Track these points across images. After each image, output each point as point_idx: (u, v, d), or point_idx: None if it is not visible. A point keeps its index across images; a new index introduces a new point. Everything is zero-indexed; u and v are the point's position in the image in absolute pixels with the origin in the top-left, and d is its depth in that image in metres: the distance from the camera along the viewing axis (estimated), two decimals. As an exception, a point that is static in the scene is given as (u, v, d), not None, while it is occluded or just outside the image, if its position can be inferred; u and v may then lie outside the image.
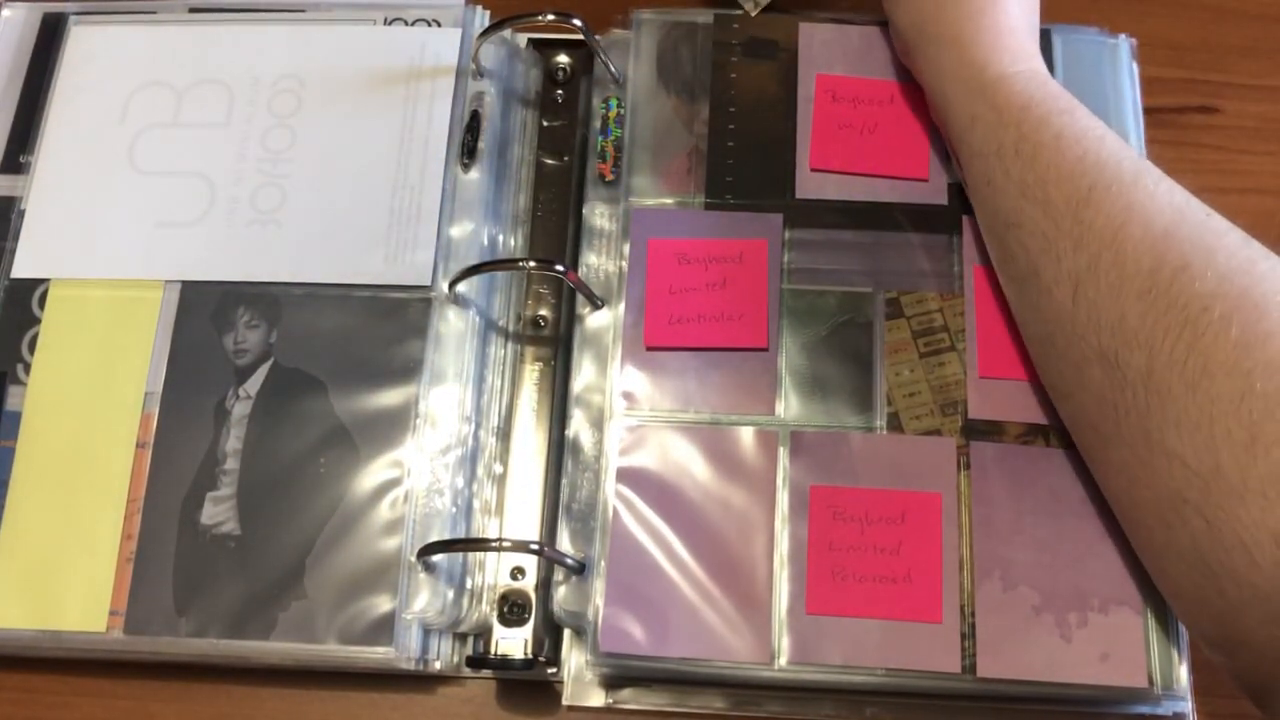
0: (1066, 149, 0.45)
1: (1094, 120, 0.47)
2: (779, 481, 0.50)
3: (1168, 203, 0.43)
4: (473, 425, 0.53)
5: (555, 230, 0.57)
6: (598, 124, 0.57)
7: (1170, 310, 0.41)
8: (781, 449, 0.51)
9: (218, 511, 0.52)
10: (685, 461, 0.51)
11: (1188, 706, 0.48)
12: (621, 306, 0.53)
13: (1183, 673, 0.47)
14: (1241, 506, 0.37)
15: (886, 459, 0.50)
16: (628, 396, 0.52)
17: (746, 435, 0.51)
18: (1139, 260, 0.42)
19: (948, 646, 0.47)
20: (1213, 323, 0.40)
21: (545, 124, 0.59)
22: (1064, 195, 0.45)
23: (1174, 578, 0.42)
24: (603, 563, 0.49)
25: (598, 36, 0.57)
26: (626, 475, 0.50)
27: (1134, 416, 0.41)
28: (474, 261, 0.54)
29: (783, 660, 0.48)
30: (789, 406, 0.51)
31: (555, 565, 0.50)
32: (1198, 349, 0.40)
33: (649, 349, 0.52)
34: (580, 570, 0.50)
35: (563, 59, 0.60)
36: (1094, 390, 0.43)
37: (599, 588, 0.49)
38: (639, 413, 0.52)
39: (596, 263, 0.55)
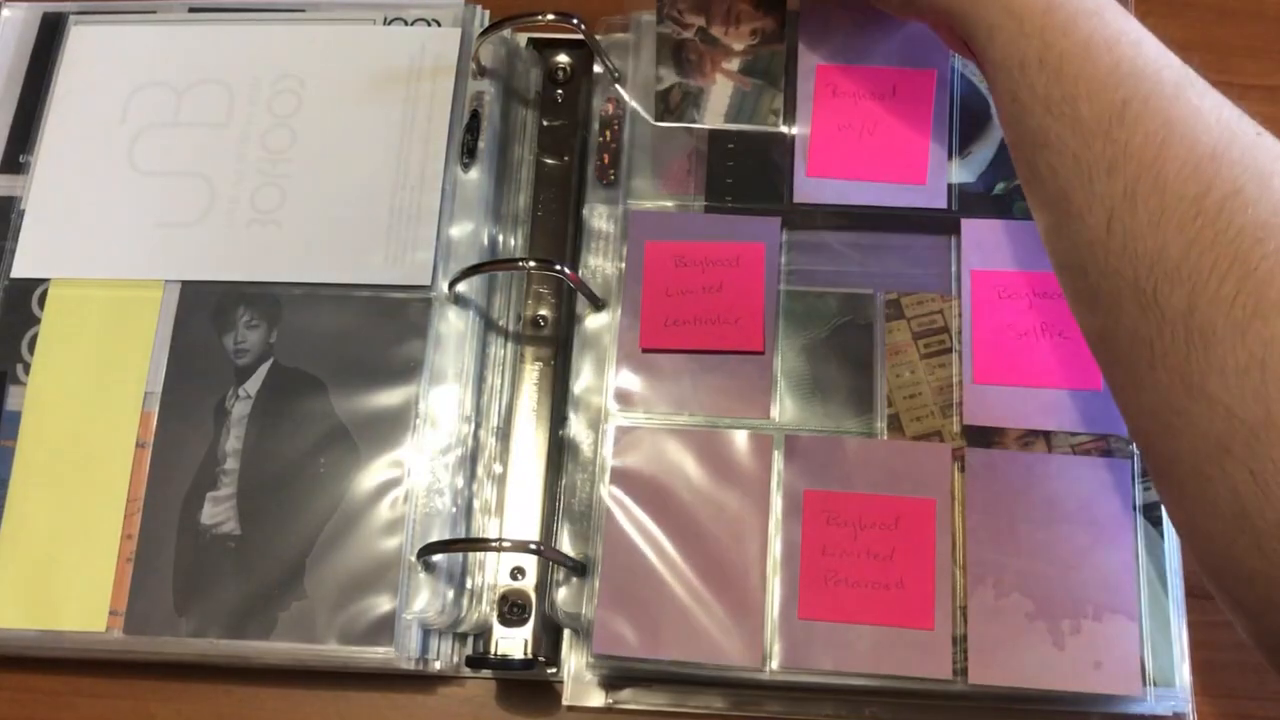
0: (1097, 57, 0.41)
1: (1129, 21, 0.42)
2: (773, 486, 0.50)
3: (1215, 119, 0.39)
4: (473, 425, 0.53)
5: (555, 230, 0.57)
6: (597, 124, 0.57)
7: (1217, 242, 0.36)
8: (776, 453, 0.50)
9: (218, 511, 0.52)
10: (679, 464, 0.50)
11: (1188, 706, 0.48)
12: (619, 308, 0.53)
13: (1184, 673, 0.47)
14: None
15: (881, 464, 0.50)
16: (623, 398, 0.52)
17: (741, 439, 0.51)
18: (1182, 185, 0.38)
19: (939, 653, 0.47)
20: (1267, 256, 0.35)
21: (545, 124, 0.59)
22: (1095, 111, 0.40)
23: (1206, 533, 0.38)
24: (598, 564, 0.49)
25: (598, 36, 0.57)
26: (620, 477, 0.50)
27: (1172, 358, 0.37)
28: (474, 261, 0.54)
29: (774, 664, 0.48)
30: (785, 410, 0.51)
31: (555, 565, 0.50)
32: (1248, 286, 0.35)
33: (645, 351, 0.52)
34: (580, 570, 0.50)
35: (563, 59, 0.60)
36: (1127, 328, 0.39)
37: (594, 589, 0.49)
38: (634, 415, 0.52)
39: (596, 264, 0.55)
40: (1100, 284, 0.40)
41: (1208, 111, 0.39)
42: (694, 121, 0.55)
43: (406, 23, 0.59)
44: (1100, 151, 0.40)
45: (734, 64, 0.55)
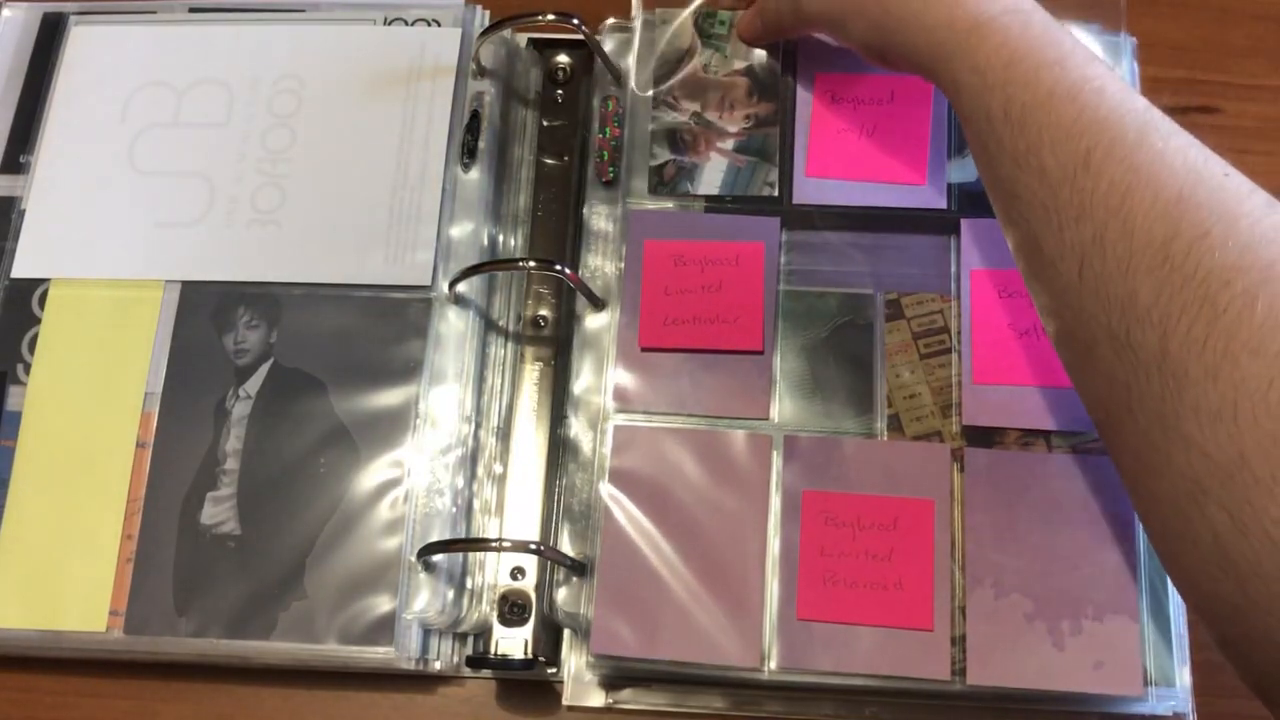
0: (1059, 108, 0.41)
1: (1092, 68, 0.42)
2: (772, 486, 0.50)
3: (1180, 162, 0.39)
4: (473, 425, 0.53)
5: (555, 230, 0.57)
6: (596, 124, 0.57)
7: (1186, 286, 0.37)
8: (775, 453, 0.50)
9: (218, 511, 0.52)
10: (678, 464, 0.50)
11: (1188, 706, 0.48)
12: (619, 307, 0.53)
13: (1185, 673, 0.47)
14: (1270, 501, 0.34)
15: (880, 464, 0.50)
16: (621, 397, 0.52)
17: (740, 439, 0.51)
18: (1150, 230, 0.38)
19: (938, 654, 0.47)
20: (1235, 299, 0.36)
21: (545, 124, 0.59)
22: (1060, 161, 0.41)
23: (1190, 571, 0.39)
24: (597, 564, 0.49)
25: (598, 36, 0.57)
26: (619, 476, 0.50)
27: (1148, 401, 0.38)
28: (474, 261, 0.54)
29: (772, 664, 0.48)
30: (784, 410, 0.51)
31: (555, 565, 0.50)
32: (1218, 328, 0.36)
33: (644, 350, 0.52)
34: (580, 570, 0.50)
35: (563, 59, 0.60)
36: (1104, 371, 0.40)
37: (593, 589, 0.49)
38: (632, 413, 0.52)
39: (596, 264, 0.55)
40: (1076, 328, 0.41)
41: (1172, 154, 0.39)
42: (687, 193, 0.55)
43: (406, 23, 0.59)
44: (1068, 200, 0.40)
45: (728, 144, 0.56)
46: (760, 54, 0.57)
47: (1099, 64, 0.43)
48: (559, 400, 0.54)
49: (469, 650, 0.51)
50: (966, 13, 0.44)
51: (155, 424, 0.53)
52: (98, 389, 0.54)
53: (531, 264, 0.54)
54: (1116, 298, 0.39)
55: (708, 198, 0.55)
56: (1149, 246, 0.38)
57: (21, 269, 0.56)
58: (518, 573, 0.52)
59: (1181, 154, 0.39)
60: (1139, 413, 0.39)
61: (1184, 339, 0.37)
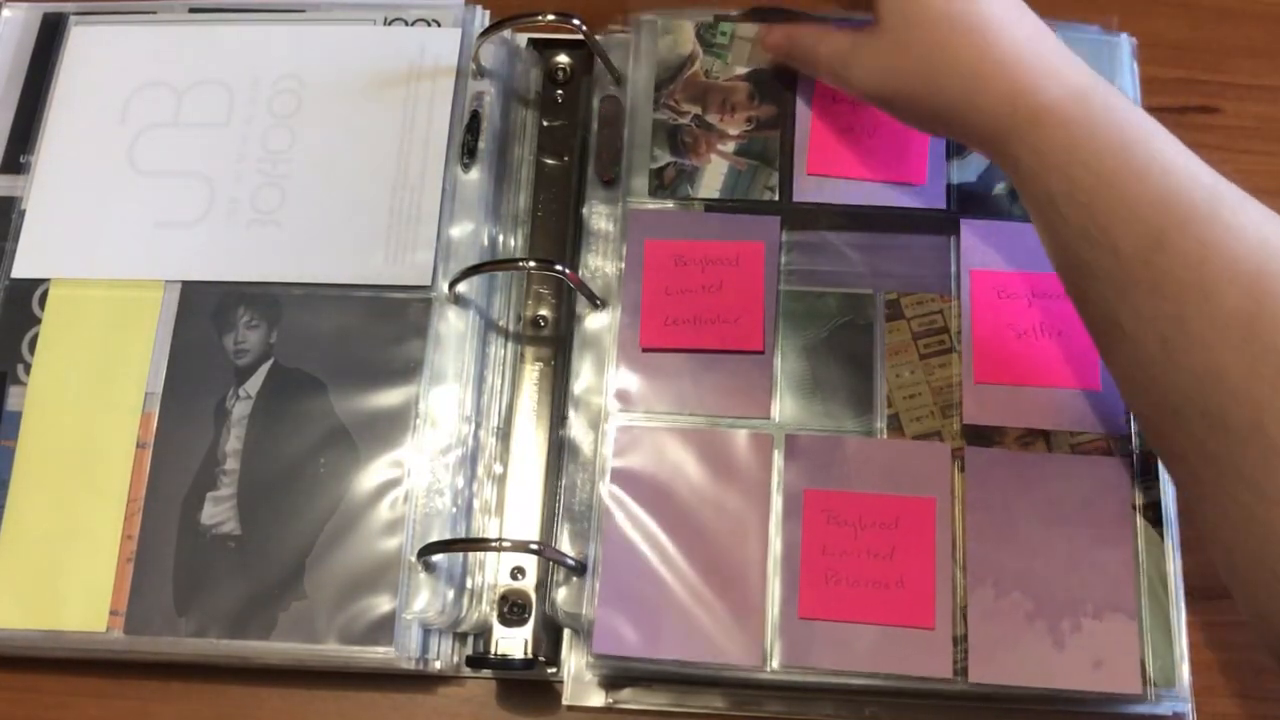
0: (1126, 190, 0.41)
1: (1153, 145, 0.42)
2: (773, 485, 0.50)
3: (1255, 235, 0.39)
4: (473, 425, 0.53)
5: (555, 230, 0.57)
6: (597, 124, 0.57)
7: (1276, 359, 0.37)
8: (776, 452, 0.50)
9: (218, 511, 0.52)
10: (679, 463, 0.50)
11: (1188, 706, 0.48)
12: (619, 307, 0.53)
13: (1185, 673, 0.47)
14: None
15: (881, 463, 0.50)
16: (622, 397, 0.52)
17: (741, 438, 0.51)
18: (1232, 307, 0.38)
19: (939, 652, 0.47)
20: None
21: (545, 124, 0.59)
22: (1132, 242, 0.40)
23: None
24: (598, 564, 0.49)
25: (598, 36, 0.57)
26: (620, 476, 0.50)
27: (1246, 470, 0.38)
28: (474, 261, 0.54)
29: (774, 664, 0.48)
30: (785, 409, 0.51)
31: (555, 565, 0.50)
32: None
33: (644, 350, 0.52)
34: (580, 570, 0.50)
35: (563, 59, 0.60)
36: (1196, 441, 0.40)
37: (594, 589, 0.49)
38: (633, 414, 0.52)
39: (596, 264, 0.55)
40: (1164, 401, 0.41)
41: (1242, 228, 0.39)
42: (687, 196, 0.55)
43: (406, 23, 0.59)
44: (1143, 278, 0.40)
45: (729, 146, 0.56)
46: (761, 63, 0.57)
47: (1162, 136, 0.43)
48: (559, 400, 0.54)
49: (469, 650, 0.51)
50: (1024, 100, 0.44)
51: (155, 424, 0.53)
52: (98, 389, 0.54)
53: (531, 264, 0.54)
54: (1206, 374, 0.39)
55: (708, 200, 0.55)
56: (1232, 323, 0.38)
57: (21, 269, 0.56)
58: (518, 573, 0.52)
59: (1255, 227, 0.40)
60: (1229, 481, 0.39)
61: (1279, 412, 0.37)
